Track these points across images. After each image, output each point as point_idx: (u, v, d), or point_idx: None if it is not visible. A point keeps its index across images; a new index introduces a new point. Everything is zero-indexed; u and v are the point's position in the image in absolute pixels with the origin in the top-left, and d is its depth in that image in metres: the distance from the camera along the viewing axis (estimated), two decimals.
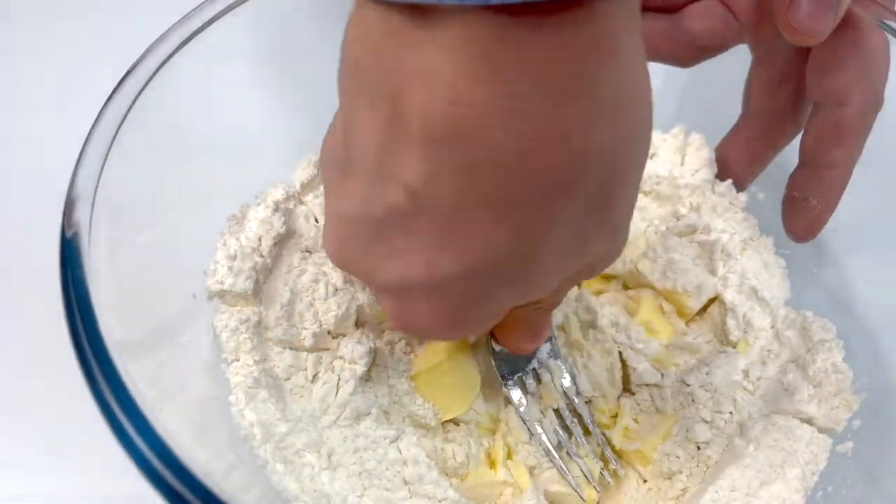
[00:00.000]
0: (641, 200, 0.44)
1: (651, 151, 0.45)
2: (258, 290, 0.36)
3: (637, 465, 0.37)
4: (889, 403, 0.34)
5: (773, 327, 0.40)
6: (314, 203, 0.41)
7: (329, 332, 0.37)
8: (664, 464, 0.37)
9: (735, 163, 0.41)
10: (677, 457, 0.37)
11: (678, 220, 0.43)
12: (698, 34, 0.37)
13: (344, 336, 0.37)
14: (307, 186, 0.41)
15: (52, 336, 0.36)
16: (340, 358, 0.36)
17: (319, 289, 0.37)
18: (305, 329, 0.36)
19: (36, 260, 0.37)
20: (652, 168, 0.44)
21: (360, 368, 0.35)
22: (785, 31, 0.31)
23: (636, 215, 0.43)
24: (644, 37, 0.37)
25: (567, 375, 0.38)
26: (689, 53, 0.38)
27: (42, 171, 0.38)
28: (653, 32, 0.37)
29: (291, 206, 0.40)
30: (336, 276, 0.38)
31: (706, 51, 0.38)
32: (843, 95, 0.34)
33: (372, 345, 0.36)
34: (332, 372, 0.35)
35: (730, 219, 0.43)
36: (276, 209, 0.39)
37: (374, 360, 0.37)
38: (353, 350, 0.36)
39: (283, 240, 0.38)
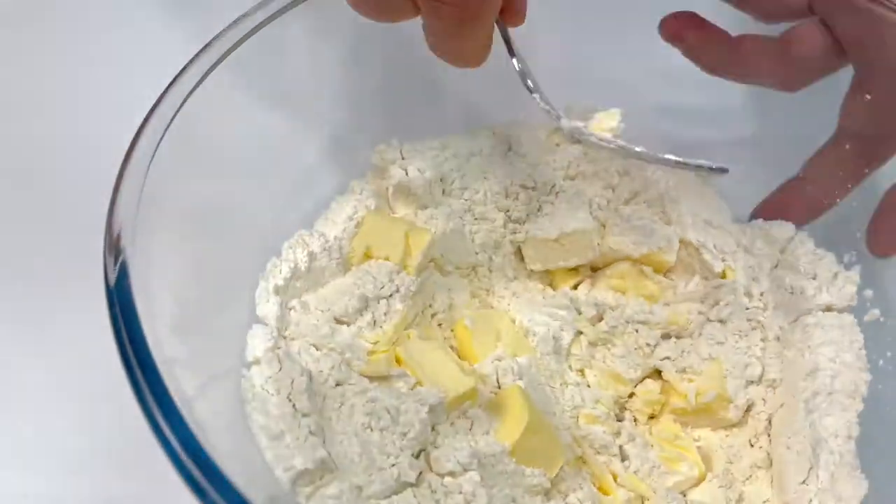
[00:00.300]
0: (573, 187, 0.45)
1: (556, 142, 0.46)
2: (331, 454, 0.31)
3: (721, 413, 0.39)
4: (883, 266, 0.39)
5: (739, 245, 0.43)
6: (297, 332, 0.36)
7: (415, 456, 0.33)
8: (738, 401, 0.39)
9: (822, 182, 0.41)
10: (747, 395, 0.39)
11: (614, 190, 0.45)
12: (803, 56, 0.37)
13: (431, 448, 0.33)
14: (281, 320, 0.36)
15: (58, 337, 0.39)
16: (449, 474, 0.32)
17: (381, 417, 0.33)
18: (395, 466, 0.32)
19: (58, 267, 0.41)
20: (567, 155, 0.45)
21: (475, 474, 0.32)
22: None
23: (577, 200, 0.44)
24: (750, 56, 0.37)
25: None
26: (794, 76, 0.38)
27: (84, 172, 0.37)
28: (759, 54, 0.37)
29: (283, 347, 0.35)
30: (385, 395, 0.34)
31: (811, 73, 0.38)
32: None
33: (470, 442, 0.33)
34: (455, 493, 0.32)
35: (651, 170, 0.45)
36: (277, 360, 0.34)
37: None
38: (458, 457, 0.32)
39: (309, 387, 0.33)
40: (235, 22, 0.34)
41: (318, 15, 0.37)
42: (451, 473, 0.32)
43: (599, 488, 0.37)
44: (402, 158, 0.43)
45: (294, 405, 0.32)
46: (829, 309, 0.40)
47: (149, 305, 0.28)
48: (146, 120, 0.31)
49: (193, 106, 0.32)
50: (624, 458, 0.38)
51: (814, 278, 0.41)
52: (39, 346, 0.40)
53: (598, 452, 0.38)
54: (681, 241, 0.43)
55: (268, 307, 0.36)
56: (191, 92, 0.32)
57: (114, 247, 0.28)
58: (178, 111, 0.31)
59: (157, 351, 0.26)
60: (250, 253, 0.37)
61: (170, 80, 0.32)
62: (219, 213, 0.35)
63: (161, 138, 0.30)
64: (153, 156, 0.30)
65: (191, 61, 0.32)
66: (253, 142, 0.37)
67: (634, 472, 0.37)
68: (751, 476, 0.38)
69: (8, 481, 0.37)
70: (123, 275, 0.28)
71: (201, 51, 0.33)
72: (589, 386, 0.40)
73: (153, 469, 0.26)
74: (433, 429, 0.34)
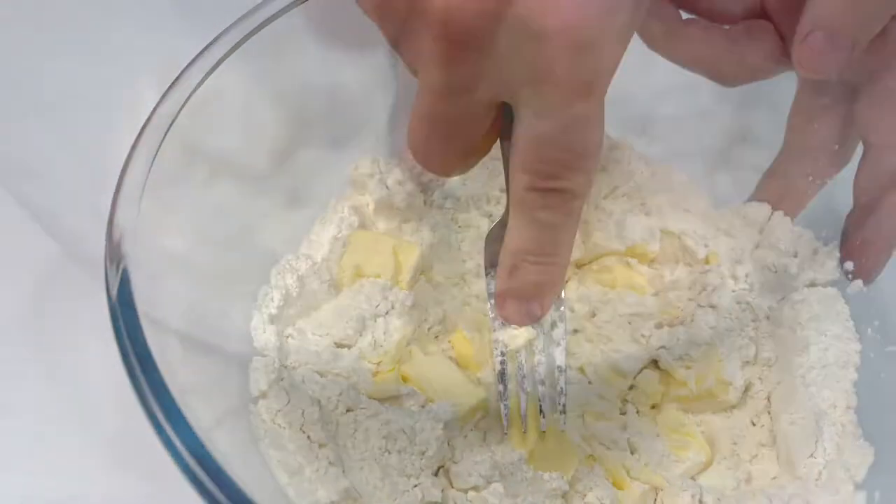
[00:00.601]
0: None
1: None
2: (354, 483, 0.31)
3: (721, 396, 0.39)
4: None
5: (719, 230, 0.44)
6: (298, 360, 0.35)
7: (434, 474, 0.33)
8: (736, 383, 0.39)
9: (776, 201, 0.41)
10: (744, 376, 0.40)
11: (592, 186, 0.45)
12: (749, 53, 0.36)
13: (451, 465, 0.33)
14: (280, 350, 0.35)
15: (58, 338, 0.39)
16: (473, 489, 0.32)
17: (398, 440, 0.33)
18: (417, 487, 0.32)
19: (60, 269, 0.41)
20: None
21: (499, 486, 0.32)
22: (795, 63, 0.32)
23: None
24: (695, 46, 0.36)
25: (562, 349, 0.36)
26: (736, 72, 0.37)
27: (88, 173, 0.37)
28: (704, 42, 0.36)
29: (287, 378, 0.34)
30: (398, 416, 0.33)
31: (753, 72, 0.36)
32: None
33: (488, 454, 0.33)
34: None
35: (626, 163, 0.46)
36: (285, 392, 0.33)
37: None
38: (479, 470, 0.32)
39: (321, 416, 0.33)
40: (229, 28, 0.34)
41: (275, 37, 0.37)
42: (475, 488, 0.32)
43: (614, 484, 0.37)
44: (381, 172, 0.42)
45: (308, 436, 0.31)
46: (812, 284, 0.41)
47: (153, 316, 0.27)
48: (147, 122, 0.31)
49: (192, 110, 0.31)
50: (633, 450, 0.39)
51: (795, 256, 0.42)
52: (40, 349, 0.40)
53: (609, 448, 0.38)
54: (662, 231, 0.44)
55: (265, 337, 0.35)
56: (189, 95, 0.31)
57: (115, 253, 0.27)
58: (178, 114, 0.31)
59: (169, 378, 0.26)
60: (249, 271, 0.37)
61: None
62: (219, 221, 0.35)
63: (163, 139, 0.30)
64: (154, 158, 0.29)
65: (189, 65, 0.32)
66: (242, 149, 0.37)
67: (645, 464, 0.38)
68: (757, 455, 0.38)
69: (6, 482, 0.36)
70: (125, 282, 0.27)
71: (199, 55, 0.33)
72: (590, 383, 0.40)
73: (154, 469, 0.26)
74: (448, 444, 0.34)
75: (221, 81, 0.33)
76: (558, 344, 0.36)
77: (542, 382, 0.35)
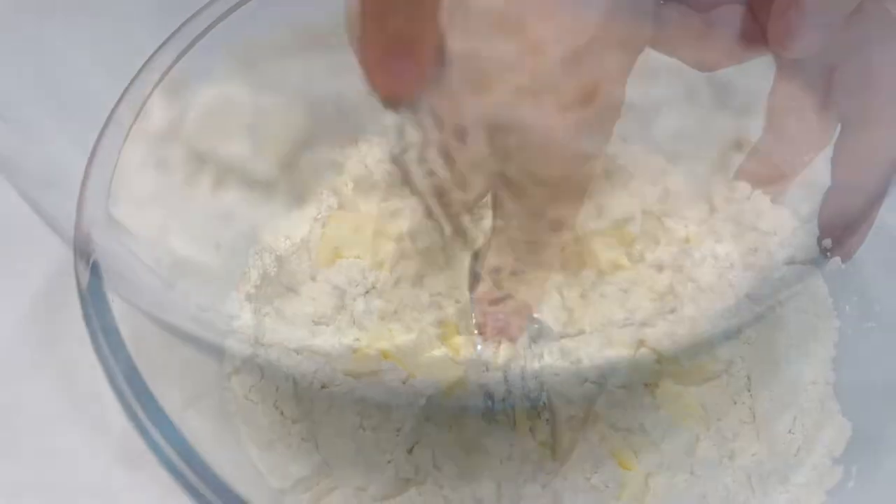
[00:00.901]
0: None
1: None
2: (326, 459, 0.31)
3: (703, 373, 0.39)
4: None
5: (699, 209, 0.44)
6: (274, 338, 0.35)
7: (410, 451, 0.32)
8: (717, 361, 0.39)
9: (758, 183, 0.41)
10: (728, 351, 0.39)
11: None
12: (726, 37, 0.35)
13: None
14: (257, 328, 0.35)
15: (59, 336, 0.39)
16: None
17: (373, 416, 0.32)
18: (391, 463, 0.31)
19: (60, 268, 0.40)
20: None
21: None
22: (771, 40, 0.33)
23: None
24: (672, 31, 0.36)
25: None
26: (713, 57, 0.36)
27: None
28: (680, 27, 0.35)
29: (262, 354, 0.34)
30: (374, 392, 0.33)
31: (731, 57, 0.36)
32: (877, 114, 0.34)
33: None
34: (464, 486, 0.31)
35: (608, 145, 0.45)
36: (258, 368, 0.33)
37: None
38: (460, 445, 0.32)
39: (295, 392, 0.33)
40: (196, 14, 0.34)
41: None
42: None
43: (620, 464, 0.37)
44: (360, 153, 0.42)
45: (282, 412, 0.31)
46: (791, 262, 0.41)
47: (125, 307, 0.27)
48: (113, 112, 0.31)
49: (161, 95, 0.31)
50: (634, 429, 0.38)
51: (774, 234, 0.42)
52: (43, 348, 0.39)
53: (615, 430, 0.38)
54: (643, 211, 0.44)
55: (242, 315, 0.35)
56: (158, 82, 0.31)
57: (84, 246, 0.27)
58: (146, 100, 0.30)
59: (140, 362, 0.26)
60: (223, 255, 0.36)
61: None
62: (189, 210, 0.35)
63: (130, 128, 0.30)
64: (122, 147, 0.29)
65: (155, 53, 0.32)
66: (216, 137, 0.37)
67: (651, 443, 0.37)
68: (738, 433, 0.38)
69: (11, 482, 0.36)
70: (96, 274, 0.27)
71: (165, 42, 0.32)
72: (580, 367, 0.40)
73: (158, 466, 0.26)
74: (428, 420, 0.34)
75: (223, 87, 0.34)
76: (539, 361, 0.36)
77: (528, 398, 0.36)
